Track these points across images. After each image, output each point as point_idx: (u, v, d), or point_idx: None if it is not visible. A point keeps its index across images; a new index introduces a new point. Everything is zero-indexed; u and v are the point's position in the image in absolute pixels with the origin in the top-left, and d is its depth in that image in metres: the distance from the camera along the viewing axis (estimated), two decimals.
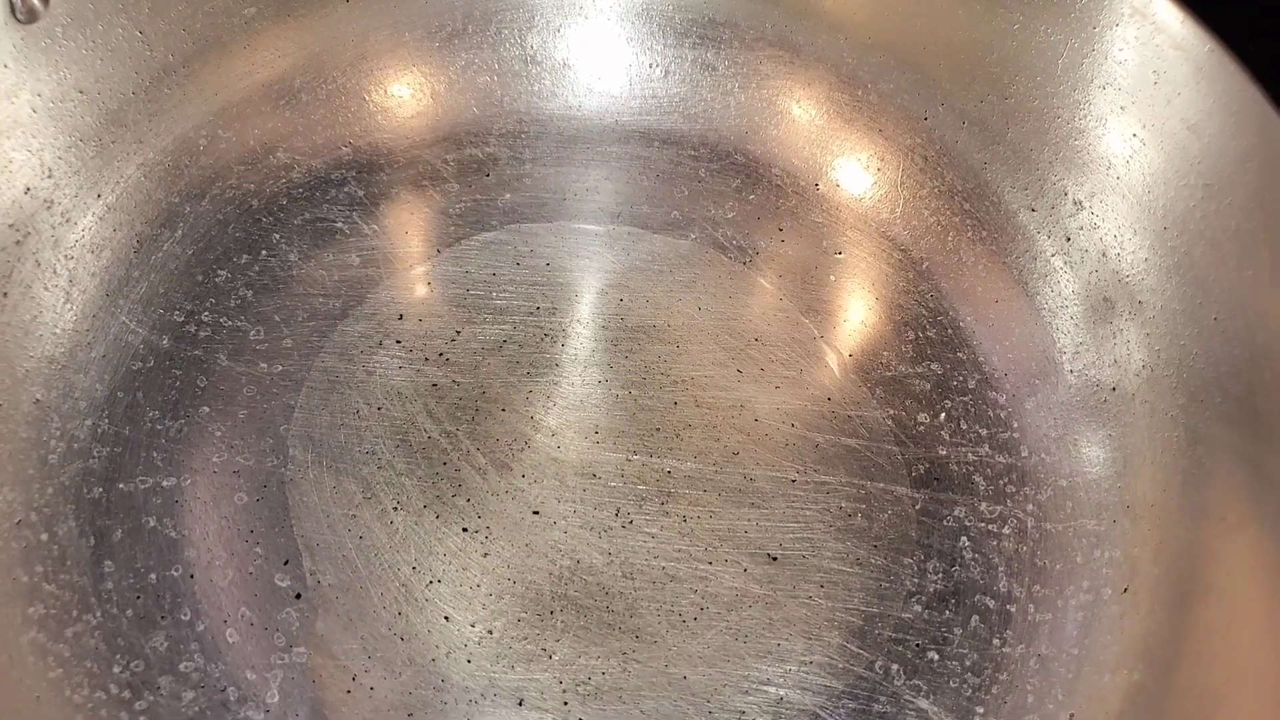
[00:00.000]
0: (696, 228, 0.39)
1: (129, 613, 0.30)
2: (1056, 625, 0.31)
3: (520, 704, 0.30)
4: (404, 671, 0.30)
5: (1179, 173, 0.33)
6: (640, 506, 0.33)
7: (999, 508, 0.33)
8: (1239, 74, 0.30)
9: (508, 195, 0.39)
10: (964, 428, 0.35)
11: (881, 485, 0.34)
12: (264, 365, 0.34)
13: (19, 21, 0.33)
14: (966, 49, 0.37)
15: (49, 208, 0.34)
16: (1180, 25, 0.32)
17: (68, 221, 0.35)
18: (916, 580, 0.32)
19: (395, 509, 0.32)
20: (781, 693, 0.30)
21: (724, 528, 0.33)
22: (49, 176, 0.34)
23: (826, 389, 0.35)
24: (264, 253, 0.37)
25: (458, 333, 0.36)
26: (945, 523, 0.33)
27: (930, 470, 0.34)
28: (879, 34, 0.39)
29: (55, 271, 0.34)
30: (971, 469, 0.34)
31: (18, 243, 0.33)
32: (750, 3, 0.40)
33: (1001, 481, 0.34)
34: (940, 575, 0.32)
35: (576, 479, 0.33)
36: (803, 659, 0.31)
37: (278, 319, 0.35)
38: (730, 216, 0.39)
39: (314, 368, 0.35)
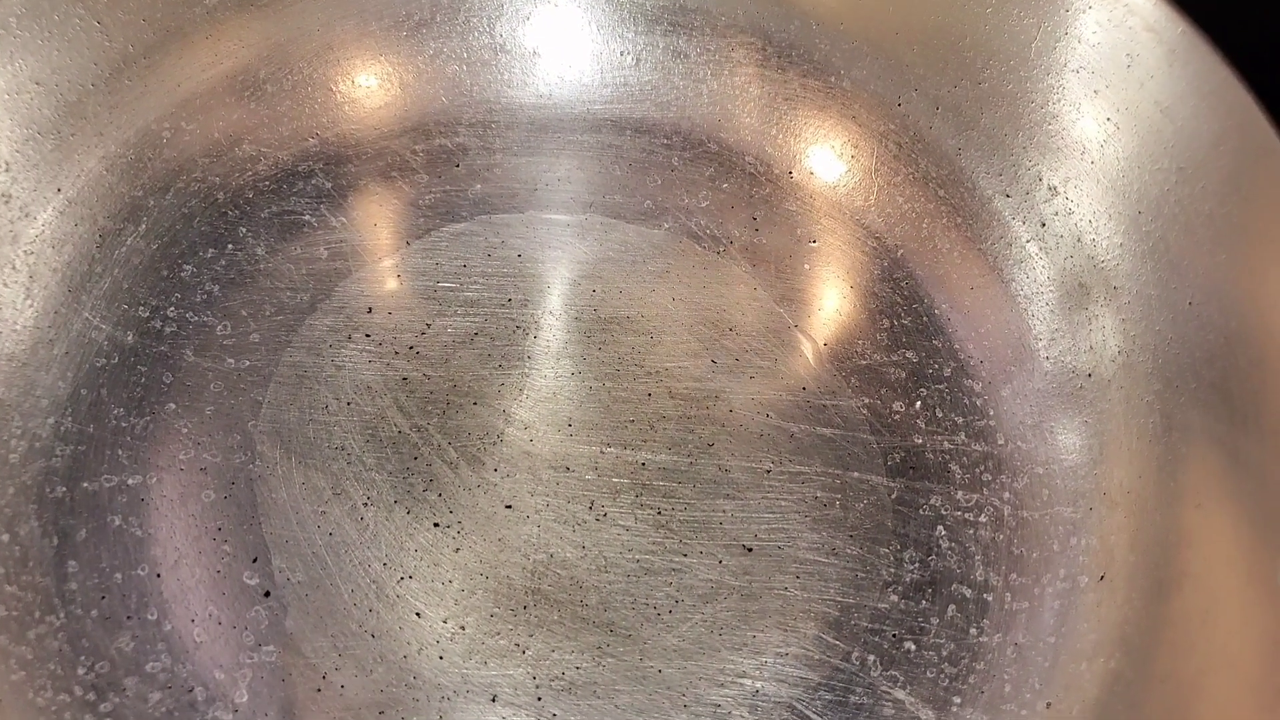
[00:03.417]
0: (670, 217, 0.38)
1: (94, 613, 0.29)
2: (1033, 614, 0.31)
3: (493, 700, 0.30)
4: (375, 669, 0.30)
5: (1153, 156, 0.33)
6: (614, 499, 0.33)
7: (975, 496, 0.33)
8: (1212, 56, 0.30)
9: (478, 186, 0.38)
10: (940, 416, 0.35)
11: (857, 475, 0.33)
12: (231, 361, 0.34)
13: None
14: (939, 34, 0.37)
15: (6, 202, 0.34)
16: (1152, 7, 0.32)
17: (26, 216, 0.34)
18: (893, 570, 0.32)
19: (365, 505, 0.32)
20: (758, 685, 0.30)
21: (699, 520, 0.32)
22: (6, 170, 0.34)
23: (801, 378, 0.35)
24: (230, 247, 0.36)
25: (428, 326, 0.35)
26: (921, 512, 0.33)
27: (906, 459, 0.34)
28: (851, 20, 0.38)
29: (14, 267, 0.34)
30: (948, 457, 0.34)
31: None
32: None
33: (978, 470, 0.34)
34: (917, 565, 0.32)
35: (549, 472, 0.33)
36: (779, 651, 0.31)
37: (245, 314, 0.35)
38: (704, 205, 0.38)
39: (282, 363, 0.34)
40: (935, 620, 0.31)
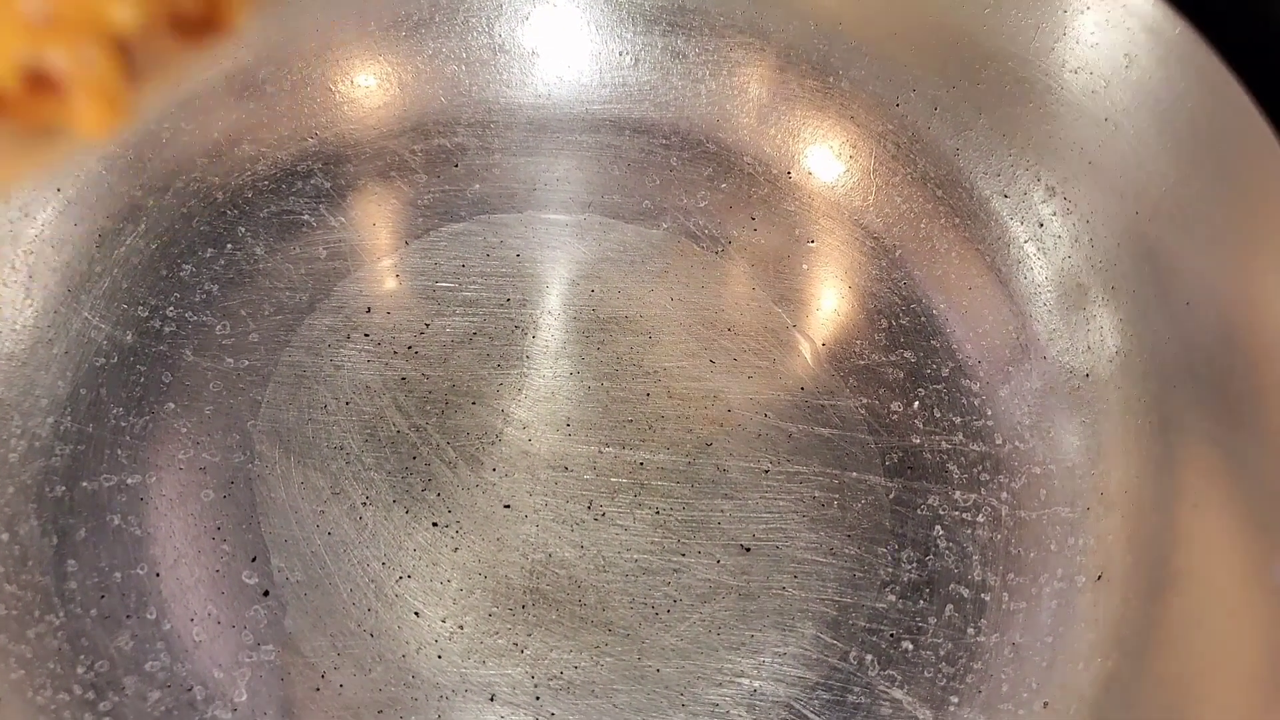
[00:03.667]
0: (668, 217, 0.38)
1: (93, 612, 0.29)
2: (1031, 613, 0.31)
3: (491, 699, 0.30)
4: (374, 668, 0.30)
5: (1151, 157, 0.33)
6: (613, 499, 0.33)
7: (973, 496, 0.33)
8: (1211, 56, 0.30)
9: (476, 186, 0.38)
10: (938, 416, 0.35)
11: (855, 475, 0.33)
12: (230, 360, 0.34)
13: None
14: (937, 34, 0.37)
15: (6, 201, 0.34)
16: (1151, 8, 0.32)
17: (26, 216, 0.34)
18: (891, 570, 0.32)
19: (364, 504, 0.32)
20: (755, 684, 0.30)
21: (697, 519, 0.32)
22: None
23: (800, 378, 0.35)
24: (229, 246, 0.36)
25: (427, 325, 0.35)
26: (919, 512, 0.33)
27: (904, 459, 0.34)
28: (850, 20, 0.38)
29: (14, 267, 0.34)
30: (945, 457, 0.34)
31: None
32: None
33: (975, 470, 0.34)
34: (914, 564, 0.32)
35: (548, 472, 0.33)
36: (776, 650, 0.31)
37: (244, 313, 0.35)
38: (702, 205, 0.38)
39: (281, 362, 0.34)
40: (933, 620, 0.31)
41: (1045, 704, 0.30)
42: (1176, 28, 0.31)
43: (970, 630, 0.31)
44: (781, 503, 0.33)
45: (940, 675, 0.30)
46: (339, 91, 0.39)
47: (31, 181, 0.34)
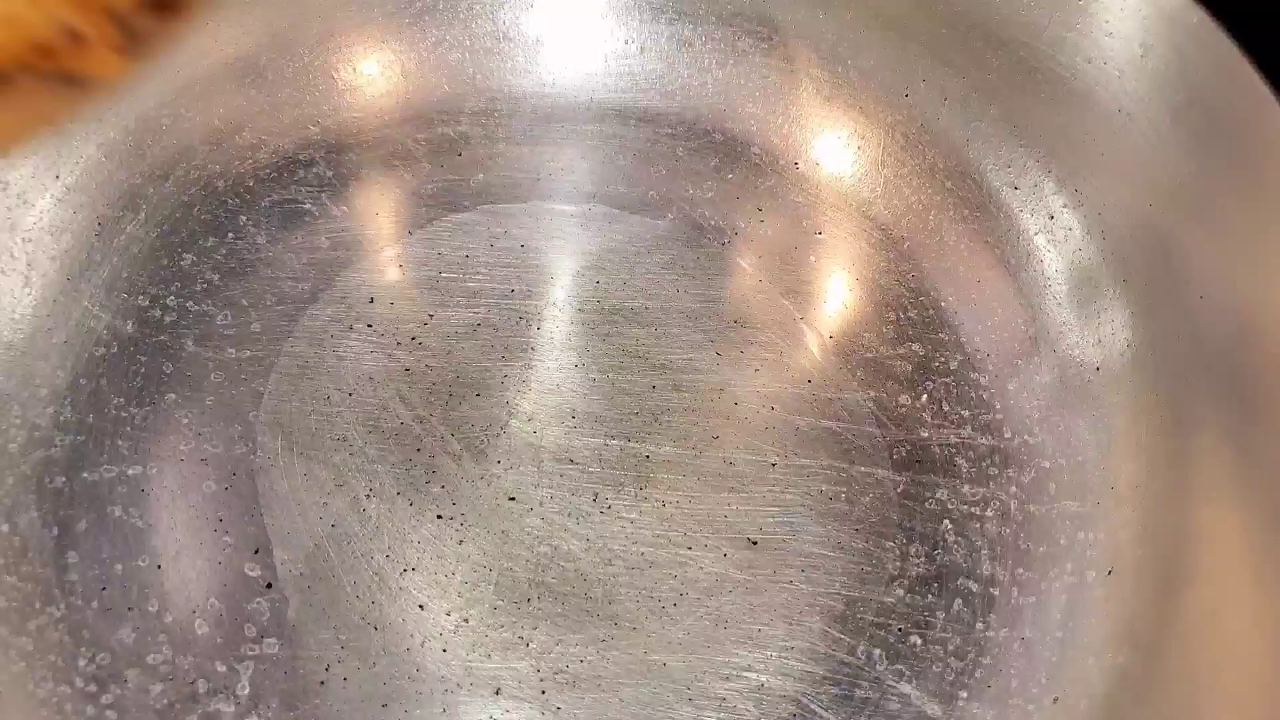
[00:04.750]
0: (674, 208, 0.38)
1: (94, 605, 0.29)
2: (1040, 608, 0.31)
3: (497, 693, 0.29)
4: (378, 661, 0.29)
5: (1165, 148, 0.32)
6: (618, 492, 0.32)
7: (982, 490, 0.33)
8: (1230, 46, 0.30)
9: (480, 175, 0.38)
10: (946, 409, 0.34)
11: (863, 468, 0.33)
12: (232, 350, 0.34)
13: None
14: (948, 24, 0.37)
15: (4, 189, 0.33)
16: None
17: (24, 203, 0.34)
18: (898, 564, 0.32)
19: (368, 496, 0.32)
20: (763, 679, 0.30)
21: (703, 512, 0.32)
22: (3, 156, 0.33)
23: (807, 371, 0.35)
24: (230, 235, 0.36)
25: (430, 316, 0.35)
26: (927, 505, 0.33)
27: (912, 453, 0.34)
28: (859, 9, 0.38)
29: (13, 255, 0.33)
30: (954, 451, 0.34)
31: None
32: None
33: (984, 464, 0.33)
34: (922, 559, 0.32)
35: (553, 464, 0.33)
36: (784, 645, 0.30)
37: (245, 303, 0.35)
38: (709, 196, 0.38)
39: (283, 353, 0.34)
40: (941, 614, 0.31)
41: (1055, 699, 0.29)
42: (1194, 17, 0.31)
43: (979, 625, 0.31)
44: (789, 496, 0.33)
45: (949, 670, 0.30)
46: (342, 79, 0.39)
47: (32, 167, 0.34)
